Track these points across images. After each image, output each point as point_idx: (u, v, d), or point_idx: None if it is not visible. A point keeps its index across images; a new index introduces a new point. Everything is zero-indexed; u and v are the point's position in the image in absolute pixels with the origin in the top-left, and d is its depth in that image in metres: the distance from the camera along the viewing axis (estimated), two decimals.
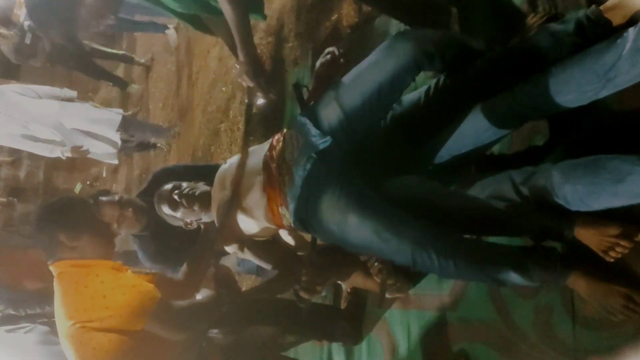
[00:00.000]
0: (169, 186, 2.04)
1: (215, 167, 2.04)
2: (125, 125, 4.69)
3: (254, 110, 3.07)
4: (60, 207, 1.93)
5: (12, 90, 4.29)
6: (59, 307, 1.76)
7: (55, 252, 1.83)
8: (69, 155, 4.51)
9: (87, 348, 1.68)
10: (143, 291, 1.72)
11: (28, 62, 5.98)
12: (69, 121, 4.41)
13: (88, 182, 8.13)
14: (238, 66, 2.02)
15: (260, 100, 2.78)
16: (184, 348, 1.79)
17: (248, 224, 1.80)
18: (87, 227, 1.86)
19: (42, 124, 4.32)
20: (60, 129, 4.38)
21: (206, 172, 2.07)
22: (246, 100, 1.91)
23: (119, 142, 4.68)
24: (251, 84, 2.03)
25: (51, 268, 1.83)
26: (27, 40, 5.14)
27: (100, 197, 2.50)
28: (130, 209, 2.45)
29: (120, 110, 4.87)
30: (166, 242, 2.48)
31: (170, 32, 5.56)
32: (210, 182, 1.95)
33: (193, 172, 2.44)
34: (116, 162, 5.09)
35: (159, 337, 1.70)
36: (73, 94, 4.61)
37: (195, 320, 1.78)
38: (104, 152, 4.71)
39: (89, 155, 4.69)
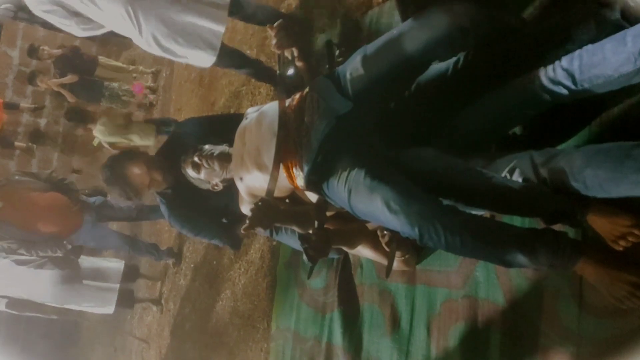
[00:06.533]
0: (190, 150, 2.11)
1: (236, 117, 2.04)
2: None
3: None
4: None
5: None
6: None
7: None
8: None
9: None
10: None
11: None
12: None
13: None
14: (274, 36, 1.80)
15: (290, 71, 2.73)
16: None
17: (264, 182, 1.80)
18: None
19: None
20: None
21: (231, 124, 2.07)
22: (277, 72, 1.80)
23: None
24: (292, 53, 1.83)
25: None
26: None
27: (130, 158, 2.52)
28: (158, 171, 2.47)
29: None
30: (189, 200, 2.51)
31: None
32: (230, 138, 1.97)
33: (218, 124, 2.45)
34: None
35: None
36: None
37: None
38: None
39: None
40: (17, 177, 3.77)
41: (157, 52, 2.76)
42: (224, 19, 2.72)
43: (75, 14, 2.62)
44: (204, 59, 2.76)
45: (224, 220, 2.59)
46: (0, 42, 7.66)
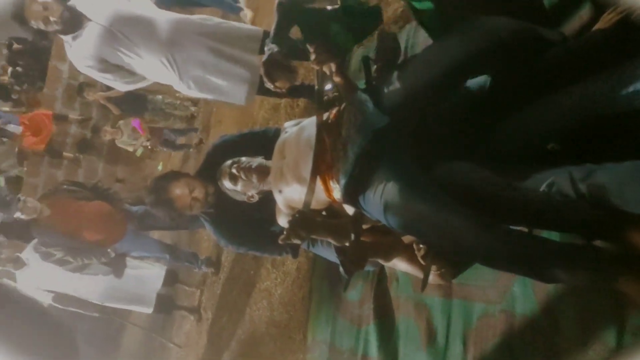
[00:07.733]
0: (228, 162, 2.16)
1: (272, 132, 2.09)
2: None
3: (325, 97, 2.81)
4: None
5: None
6: None
7: None
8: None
9: None
10: None
11: None
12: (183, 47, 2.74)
13: (149, 147, 8.41)
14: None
15: (328, 86, 2.76)
16: None
17: (303, 194, 1.84)
18: None
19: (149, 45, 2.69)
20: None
21: (264, 140, 2.12)
22: (315, 87, 1.84)
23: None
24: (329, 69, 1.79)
25: None
26: None
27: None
28: (203, 190, 2.54)
29: None
30: (233, 215, 2.57)
31: (245, 12, 5.55)
32: (268, 153, 2.01)
33: (251, 141, 2.50)
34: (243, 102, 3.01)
35: None
36: None
37: None
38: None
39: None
40: (65, 187, 3.92)
41: (197, 94, 2.90)
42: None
43: (118, 68, 2.71)
44: (243, 95, 2.86)
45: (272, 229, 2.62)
46: (51, 56, 7.99)
